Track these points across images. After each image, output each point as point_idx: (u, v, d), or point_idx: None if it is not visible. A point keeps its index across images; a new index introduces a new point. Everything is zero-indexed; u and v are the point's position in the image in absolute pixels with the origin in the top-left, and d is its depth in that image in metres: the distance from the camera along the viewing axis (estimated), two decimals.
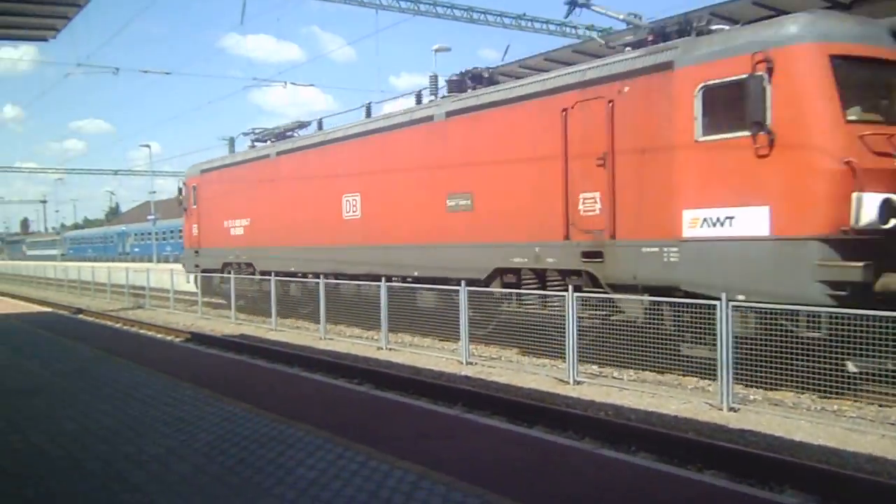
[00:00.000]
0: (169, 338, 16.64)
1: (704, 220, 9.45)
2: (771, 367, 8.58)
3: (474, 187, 12.98)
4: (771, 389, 8.93)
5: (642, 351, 9.82)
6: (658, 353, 9.62)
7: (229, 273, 20.57)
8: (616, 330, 10.11)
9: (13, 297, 30.21)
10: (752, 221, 8.93)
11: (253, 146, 21.51)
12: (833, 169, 8.38)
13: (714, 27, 10.60)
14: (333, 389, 9.02)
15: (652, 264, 10.07)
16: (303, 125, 20.21)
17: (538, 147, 11.70)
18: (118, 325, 19.54)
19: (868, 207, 8.24)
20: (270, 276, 17.93)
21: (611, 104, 10.60)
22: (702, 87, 9.48)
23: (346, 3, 30.07)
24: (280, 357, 13.06)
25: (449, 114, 13.61)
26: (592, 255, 10.88)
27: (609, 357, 10.22)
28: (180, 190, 24.59)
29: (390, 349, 13.59)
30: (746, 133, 8.91)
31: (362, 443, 6.15)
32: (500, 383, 10.41)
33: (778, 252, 8.75)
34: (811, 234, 8.47)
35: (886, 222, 8.25)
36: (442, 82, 15.15)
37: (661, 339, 9.60)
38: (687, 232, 9.64)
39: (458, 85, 14.26)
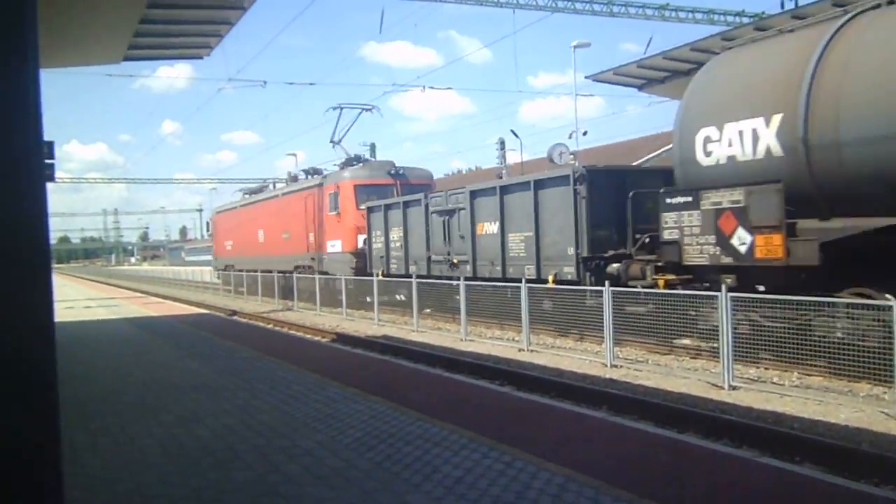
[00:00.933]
0: (316, 338, 17.28)
1: (330, 244, 25.61)
2: None
3: (289, 228, 29.25)
4: None
5: (805, 353, 9.15)
6: (824, 355, 8.93)
7: (227, 271, 37.25)
8: (774, 331, 9.49)
9: (175, 299, 32.49)
10: (338, 246, 25.05)
11: (243, 197, 38.05)
12: (353, 226, 24.28)
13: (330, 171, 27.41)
14: (476, 390, 8.99)
15: (325, 263, 25.75)
16: (263, 187, 38.10)
17: (301, 211, 27.88)
18: (270, 326, 20.54)
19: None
20: (412, 278, 18.29)
21: (311, 196, 27.00)
22: (330, 193, 25.40)
23: (482, 4, 30.27)
24: (422, 357, 13.22)
25: (283, 194, 31.07)
26: (313, 258, 26.44)
27: (768, 359, 9.58)
28: (208, 225, 43.78)
29: (532, 350, 13.44)
30: (337, 212, 24.87)
31: (506, 443, 6.06)
32: (647, 387, 10.02)
33: (344, 258, 24.29)
34: (348, 251, 24.26)
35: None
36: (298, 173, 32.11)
37: (829, 341, 8.91)
38: (327, 249, 25.85)
39: (295, 177, 31.97)
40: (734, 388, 9.50)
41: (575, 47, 30.57)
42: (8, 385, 2.01)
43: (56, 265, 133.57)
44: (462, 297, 15.64)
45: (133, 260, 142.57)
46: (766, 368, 10.28)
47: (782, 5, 12.35)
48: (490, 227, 16.81)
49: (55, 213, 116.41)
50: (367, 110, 28.69)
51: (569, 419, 7.21)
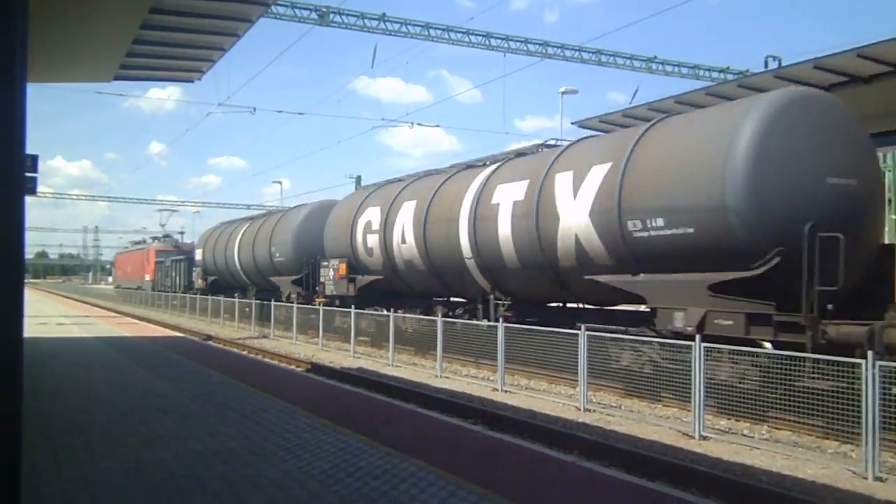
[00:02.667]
0: (291, 367, 17.12)
1: (148, 278, 53.34)
2: None
3: (140, 267, 58.04)
4: None
5: (776, 407, 9.20)
6: (795, 410, 8.98)
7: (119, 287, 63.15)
8: (747, 383, 9.54)
9: (150, 321, 32.12)
10: (148, 278, 52.94)
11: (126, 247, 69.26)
12: (153, 270, 52.91)
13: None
14: (448, 427, 8.93)
15: (145, 286, 53.83)
16: (140, 242, 62.76)
17: (142, 259, 56.92)
18: (244, 353, 20.32)
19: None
20: (348, 310, 18.22)
21: (144, 253, 56.42)
22: (148, 253, 55.32)
23: (475, 46, 30.74)
24: (396, 392, 13.13)
25: (138, 249, 62.51)
26: (140, 286, 55.68)
27: (739, 411, 9.63)
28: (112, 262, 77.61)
29: (506, 391, 13.40)
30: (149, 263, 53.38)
31: (475, 482, 6.01)
32: (619, 433, 10.00)
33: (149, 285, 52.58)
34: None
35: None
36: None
37: (799, 395, 8.96)
38: (145, 278, 54.53)
39: (144, 240, 63.43)
40: (705, 437, 9.52)
41: (563, 93, 31.03)
42: None
43: (32, 280, 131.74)
44: (439, 335, 15.60)
45: (111, 279, 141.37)
46: (736, 420, 10.31)
47: (766, 64, 12.74)
48: None
49: (34, 227, 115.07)
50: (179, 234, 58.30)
51: (539, 461, 7.17)
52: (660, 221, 11.10)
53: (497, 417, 10.82)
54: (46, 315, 32.57)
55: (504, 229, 14.88)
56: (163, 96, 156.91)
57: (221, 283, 36.07)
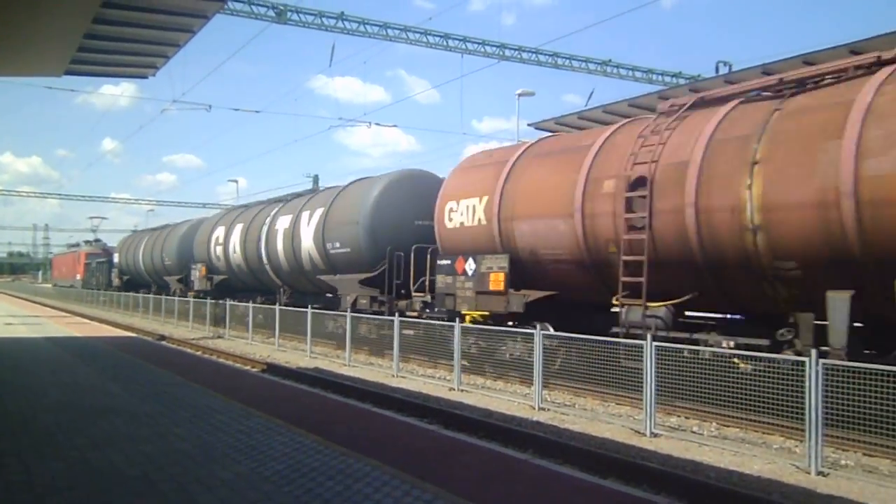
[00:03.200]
0: (246, 367, 16.95)
1: (78, 276, 60.72)
2: (867, 429, 8.08)
3: (73, 268, 63.97)
4: (867, 455, 8.40)
5: (724, 404, 9.42)
6: (742, 407, 9.21)
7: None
8: (696, 381, 9.75)
9: (101, 320, 31.46)
10: (79, 277, 60.79)
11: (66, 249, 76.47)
12: (83, 270, 59.22)
13: None
14: (403, 427, 8.95)
15: (76, 284, 60.10)
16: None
17: (75, 261, 65.44)
18: (198, 353, 20.05)
19: None
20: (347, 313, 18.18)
21: (76, 255, 65.00)
22: (80, 255, 63.11)
23: (433, 47, 30.79)
24: (352, 392, 13.10)
25: (73, 251, 70.68)
26: (73, 284, 61.50)
27: (689, 409, 9.84)
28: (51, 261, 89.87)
29: (462, 390, 13.46)
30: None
31: (430, 481, 6.05)
32: (573, 431, 10.14)
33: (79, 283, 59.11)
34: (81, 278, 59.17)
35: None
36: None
37: (746, 392, 9.20)
38: (76, 277, 60.72)
39: (78, 243, 72.38)
40: (656, 435, 9.70)
41: (519, 95, 31.24)
42: None
43: None
44: (396, 333, 15.61)
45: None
46: (686, 417, 10.53)
47: (717, 69, 13.09)
48: None
49: None
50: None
51: (494, 460, 7.24)
52: (338, 244, 19.50)
53: (453, 416, 10.87)
54: None
55: (280, 246, 23.46)
56: (116, 92, 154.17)
57: (133, 282, 44.50)
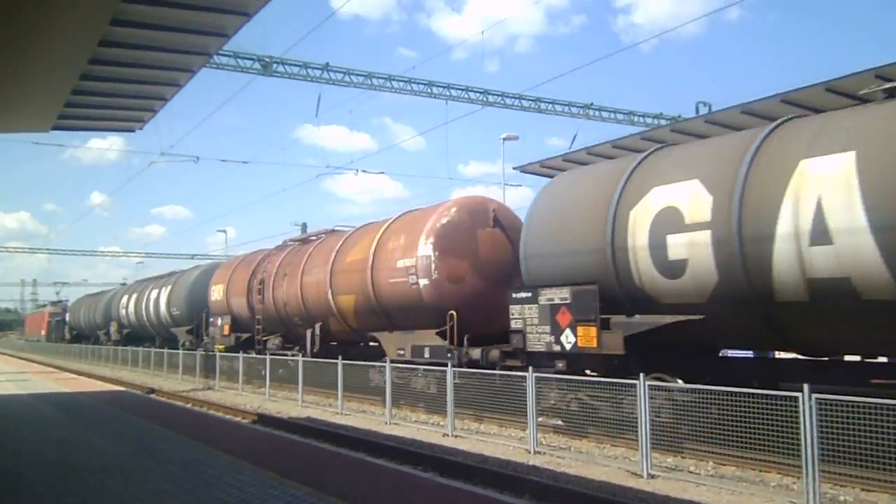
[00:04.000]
0: (237, 419, 16.75)
1: (38, 333, 76.82)
2: (864, 465, 8.04)
3: (38, 325, 77.99)
4: (865, 489, 8.35)
5: (720, 443, 9.37)
6: (737, 445, 9.16)
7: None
8: (692, 422, 9.72)
9: (90, 375, 31.08)
10: (41, 333, 74.51)
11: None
12: (46, 327, 72.03)
13: None
14: (398, 475, 8.84)
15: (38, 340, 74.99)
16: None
17: (42, 320, 76.34)
18: (188, 406, 19.81)
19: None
20: (337, 359, 18.03)
21: (42, 315, 78.28)
22: (41, 316, 78.36)
23: (417, 94, 31.19)
24: (345, 441, 12.93)
25: (38, 312, 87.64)
26: (38, 339, 74.30)
27: (686, 449, 9.78)
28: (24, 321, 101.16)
29: (456, 436, 13.33)
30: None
31: None
32: (569, 475, 10.03)
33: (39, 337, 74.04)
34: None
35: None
36: None
37: (741, 432, 9.15)
38: (37, 334, 77.25)
39: (45, 304, 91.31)
40: (653, 476, 9.61)
41: (504, 139, 31.58)
42: None
43: None
44: (388, 380, 15.50)
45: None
46: (682, 457, 10.46)
47: (697, 110, 13.35)
48: None
49: None
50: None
51: None
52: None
53: (447, 463, 10.74)
54: None
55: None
56: (104, 146, 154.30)
57: (80, 335, 55.69)
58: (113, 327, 43.15)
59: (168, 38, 10.97)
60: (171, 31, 10.75)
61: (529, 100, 32.84)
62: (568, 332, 12.19)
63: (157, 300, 35.46)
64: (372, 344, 19.38)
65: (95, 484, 7.98)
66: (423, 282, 16.09)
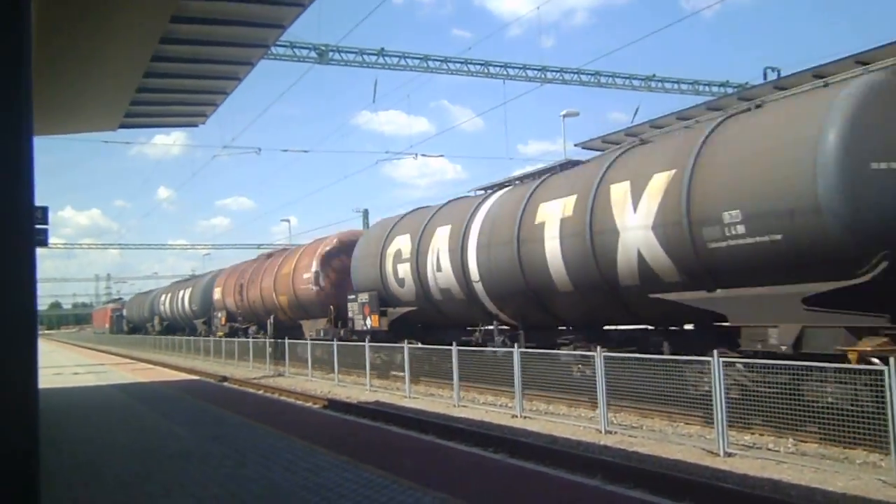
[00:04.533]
0: (308, 404, 17.05)
1: None
2: None
3: None
4: None
5: (799, 420, 9.07)
6: (820, 421, 8.86)
7: None
8: (770, 397, 9.43)
9: (164, 365, 32.13)
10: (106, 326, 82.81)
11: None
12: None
13: None
14: (468, 457, 8.85)
15: None
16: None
17: None
18: (260, 392, 20.27)
19: None
20: (404, 343, 18.17)
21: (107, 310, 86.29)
22: None
23: (474, 75, 30.97)
24: (414, 424, 13.01)
25: None
26: None
27: (764, 425, 9.50)
28: None
29: (525, 417, 13.28)
30: None
31: None
32: (641, 454, 9.87)
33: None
34: None
35: None
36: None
37: (822, 407, 8.84)
38: None
39: None
40: (730, 454, 9.37)
41: (564, 116, 31.10)
42: None
43: (46, 331, 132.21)
44: (455, 363, 15.52)
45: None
46: (760, 434, 10.16)
47: (765, 76, 12.87)
48: None
49: (47, 279, 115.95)
50: None
51: (563, 487, 7.09)
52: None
53: (518, 444, 10.69)
54: (61, 365, 32.62)
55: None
56: (168, 142, 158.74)
57: (135, 328, 64.09)
58: (156, 320, 52.85)
59: (227, 31, 11.14)
60: (230, 24, 10.90)
61: (588, 74, 32.25)
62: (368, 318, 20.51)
63: (183, 298, 45.38)
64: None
65: (174, 469, 8.22)
66: (315, 287, 25.41)
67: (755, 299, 10.22)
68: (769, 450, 9.53)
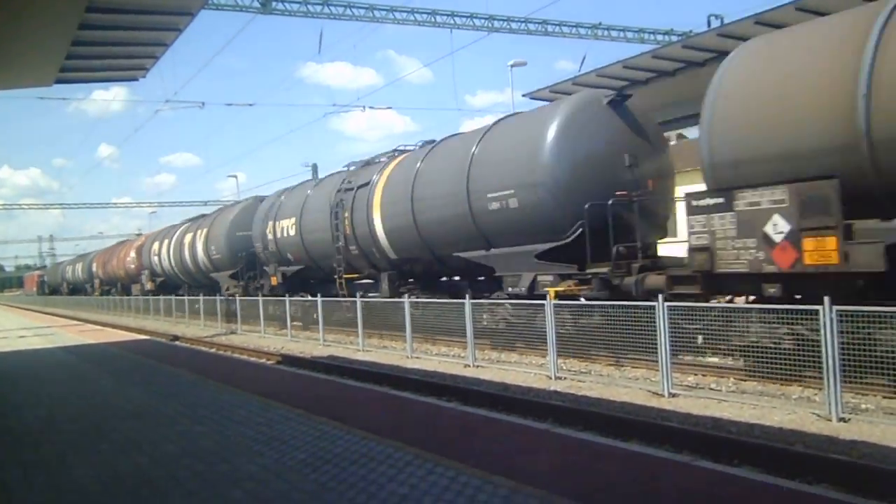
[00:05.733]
0: (261, 360, 17.04)
1: None
2: (884, 373, 8.08)
3: None
4: (887, 397, 8.40)
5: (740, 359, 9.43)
6: (758, 361, 9.22)
7: None
8: (713, 338, 9.76)
9: (114, 326, 31.63)
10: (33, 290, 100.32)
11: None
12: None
13: None
14: (422, 406, 9.00)
15: None
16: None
17: None
18: (212, 350, 20.16)
19: None
20: (355, 296, 18.21)
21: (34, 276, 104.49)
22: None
23: (421, 25, 30.57)
24: (368, 376, 13.16)
25: None
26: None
27: (708, 368, 9.86)
28: None
29: (477, 366, 13.51)
30: None
31: (452, 458, 6.08)
32: (591, 397, 10.17)
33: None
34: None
35: None
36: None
37: (763, 346, 9.20)
38: None
39: None
40: (674, 395, 9.73)
41: (512, 66, 31.02)
42: None
43: None
44: (406, 314, 15.64)
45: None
46: (703, 375, 10.55)
47: (709, 23, 13.00)
48: None
49: None
50: None
51: (514, 432, 7.27)
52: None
53: (470, 393, 10.92)
54: (6, 329, 31.87)
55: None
56: (108, 97, 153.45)
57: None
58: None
59: None
60: None
61: (536, 23, 32.08)
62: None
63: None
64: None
65: (127, 429, 8.18)
66: None
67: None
68: (711, 389, 9.91)
